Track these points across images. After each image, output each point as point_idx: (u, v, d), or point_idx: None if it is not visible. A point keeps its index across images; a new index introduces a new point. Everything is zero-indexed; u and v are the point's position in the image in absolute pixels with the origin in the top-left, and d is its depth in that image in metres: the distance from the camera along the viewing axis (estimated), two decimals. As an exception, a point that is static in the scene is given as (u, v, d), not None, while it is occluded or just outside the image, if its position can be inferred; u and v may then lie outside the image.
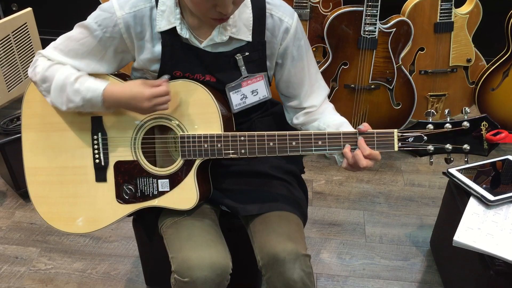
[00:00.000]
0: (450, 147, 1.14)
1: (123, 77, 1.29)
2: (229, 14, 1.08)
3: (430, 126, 1.13)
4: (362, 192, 2.24)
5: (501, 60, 2.32)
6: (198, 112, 1.20)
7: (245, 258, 1.33)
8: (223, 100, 1.24)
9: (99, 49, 1.21)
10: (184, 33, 1.17)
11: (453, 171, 1.66)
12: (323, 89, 1.34)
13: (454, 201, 1.64)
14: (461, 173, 1.64)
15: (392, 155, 2.46)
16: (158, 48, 1.20)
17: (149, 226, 1.39)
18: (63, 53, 1.22)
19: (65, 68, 1.21)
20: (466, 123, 1.12)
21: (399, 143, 1.14)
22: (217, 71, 1.23)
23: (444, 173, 1.68)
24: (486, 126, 1.13)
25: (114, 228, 2.01)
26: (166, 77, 1.20)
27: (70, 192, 1.32)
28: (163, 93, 1.16)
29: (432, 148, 1.14)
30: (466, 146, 1.14)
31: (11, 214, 2.10)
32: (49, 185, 1.32)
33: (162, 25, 1.17)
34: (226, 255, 1.22)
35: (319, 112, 1.32)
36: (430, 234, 1.94)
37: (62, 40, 1.23)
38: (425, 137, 1.13)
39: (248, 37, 1.20)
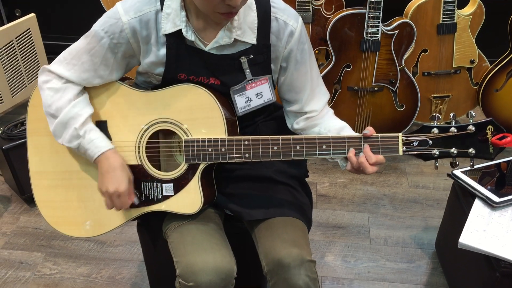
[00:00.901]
0: (455, 151, 1.13)
1: (127, 80, 1.29)
2: (238, 7, 1.08)
3: (435, 130, 1.12)
4: (367, 195, 2.24)
5: (505, 61, 2.32)
6: (202, 116, 1.20)
7: (250, 262, 1.33)
8: (227, 104, 1.24)
9: (108, 56, 1.21)
10: (190, 35, 1.17)
11: (457, 172, 1.65)
12: (324, 94, 1.34)
13: (459, 203, 1.64)
14: (466, 174, 1.64)
15: (396, 157, 2.45)
16: (163, 51, 1.20)
17: (153, 230, 1.39)
18: (76, 68, 1.22)
19: (73, 104, 1.21)
20: (471, 127, 1.11)
21: (404, 147, 1.14)
22: (221, 74, 1.23)
23: (448, 175, 1.68)
24: (492, 130, 1.12)
25: (119, 232, 2.01)
26: (137, 201, 1.27)
27: (75, 196, 1.32)
28: (128, 201, 1.23)
29: (437, 153, 1.13)
30: (471, 150, 1.13)
31: (16, 219, 2.11)
32: (54, 189, 1.33)
33: (168, 27, 1.17)
34: (230, 259, 1.22)
35: (320, 117, 1.32)
36: (435, 236, 1.94)
37: (72, 54, 1.22)
38: (430, 141, 1.12)
39: (253, 40, 1.20)
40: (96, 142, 1.22)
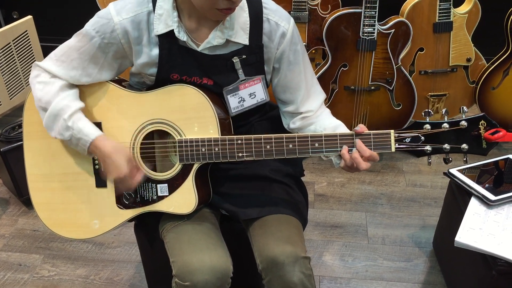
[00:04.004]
0: (448, 147, 1.13)
1: (120, 82, 1.30)
2: (237, 2, 1.09)
3: (428, 126, 1.13)
4: (364, 194, 2.24)
5: (501, 59, 2.32)
6: (195, 116, 1.21)
7: (246, 261, 1.33)
8: (220, 104, 1.25)
9: (98, 56, 1.21)
10: (182, 36, 1.18)
11: (453, 171, 1.65)
12: (320, 94, 1.34)
13: (456, 201, 1.64)
14: (462, 173, 1.64)
15: (393, 156, 2.45)
16: (156, 51, 1.21)
17: (150, 231, 1.40)
18: (65, 65, 1.22)
19: (63, 96, 1.21)
20: (464, 123, 1.12)
21: (396, 144, 1.14)
22: (214, 74, 1.23)
23: (445, 174, 1.68)
24: (485, 125, 1.13)
25: (117, 233, 2.02)
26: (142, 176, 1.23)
27: (72, 198, 1.32)
28: (134, 182, 1.20)
29: (430, 149, 1.13)
30: (464, 146, 1.13)
31: (14, 222, 2.11)
32: (51, 191, 1.33)
33: (160, 28, 1.18)
34: (226, 259, 1.22)
35: (315, 116, 1.32)
36: (433, 234, 1.94)
37: (62, 51, 1.23)
38: (423, 138, 1.13)
39: (245, 41, 1.20)
40: (84, 130, 1.21)
